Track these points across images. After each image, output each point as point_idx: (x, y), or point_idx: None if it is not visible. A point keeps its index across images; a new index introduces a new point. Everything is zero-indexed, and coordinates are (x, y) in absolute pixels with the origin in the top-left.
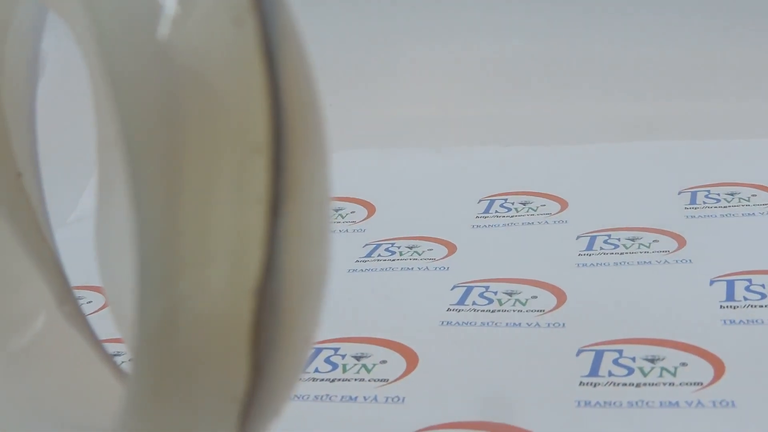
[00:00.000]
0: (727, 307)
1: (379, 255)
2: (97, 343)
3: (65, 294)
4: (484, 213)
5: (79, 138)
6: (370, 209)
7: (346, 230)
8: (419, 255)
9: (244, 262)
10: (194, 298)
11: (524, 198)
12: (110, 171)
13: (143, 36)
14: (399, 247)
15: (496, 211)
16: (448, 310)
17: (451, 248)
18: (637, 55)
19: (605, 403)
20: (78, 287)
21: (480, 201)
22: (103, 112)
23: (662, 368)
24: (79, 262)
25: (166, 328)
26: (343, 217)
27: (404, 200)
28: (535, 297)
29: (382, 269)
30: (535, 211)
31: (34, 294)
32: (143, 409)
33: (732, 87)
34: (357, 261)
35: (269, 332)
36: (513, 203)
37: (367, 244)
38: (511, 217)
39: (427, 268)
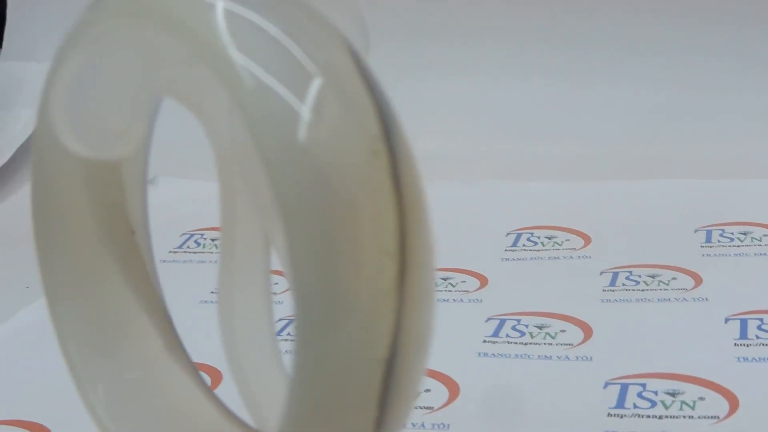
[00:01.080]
0: (741, 345)
1: None
2: (201, 382)
3: (171, 338)
4: (512, 246)
5: None
6: None
7: None
8: (453, 287)
9: (376, 334)
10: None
11: (549, 232)
12: (234, 259)
13: (287, 134)
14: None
15: (524, 245)
16: (484, 341)
17: (483, 281)
18: (656, 98)
19: None
20: None
21: (508, 234)
22: (231, 199)
23: (682, 402)
24: None
25: (314, 376)
26: None
27: (437, 233)
28: (564, 331)
29: None
30: (560, 245)
31: (144, 338)
32: None
33: (745, 128)
34: None
35: (391, 393)
36: (539, 237)
37: None
38: (538, 251)
39: (462, 300)
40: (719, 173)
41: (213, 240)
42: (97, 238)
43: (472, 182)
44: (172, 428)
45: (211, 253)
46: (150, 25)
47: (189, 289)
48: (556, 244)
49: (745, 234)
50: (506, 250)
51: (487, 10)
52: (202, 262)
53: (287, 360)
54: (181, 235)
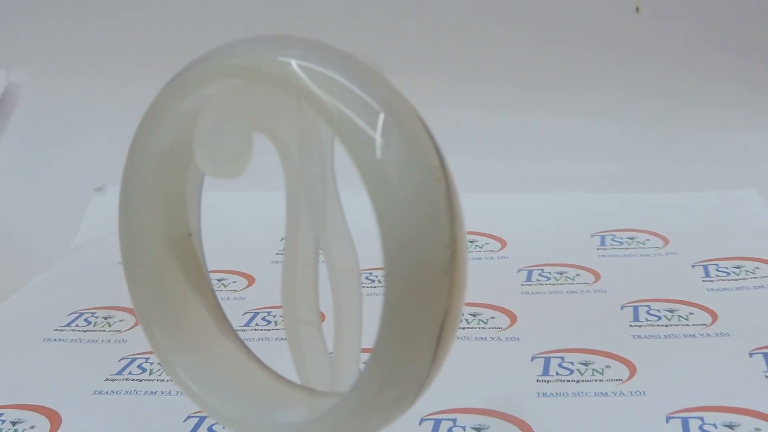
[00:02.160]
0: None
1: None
2: (255, 358)
3: (223, 322)
4: None
5: (74, 165)
6: None
7: None
8: (485, 324)
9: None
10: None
11: (471, 237)
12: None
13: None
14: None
15: None
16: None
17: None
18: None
19: None
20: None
21: None
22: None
23: None
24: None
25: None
26: None
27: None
28: (493, 318)
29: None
30: (480, 248)
31: (198, 323)
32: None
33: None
34: None
35: (444, 336)
36: None
37: None
38: None
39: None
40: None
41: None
42: (163, 241)
43: None
44: (243, 391)
45: None
46: (252, 81)
47: None
48: (477, 247)
49: (632, 239)
50: None
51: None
52: None
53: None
54: None
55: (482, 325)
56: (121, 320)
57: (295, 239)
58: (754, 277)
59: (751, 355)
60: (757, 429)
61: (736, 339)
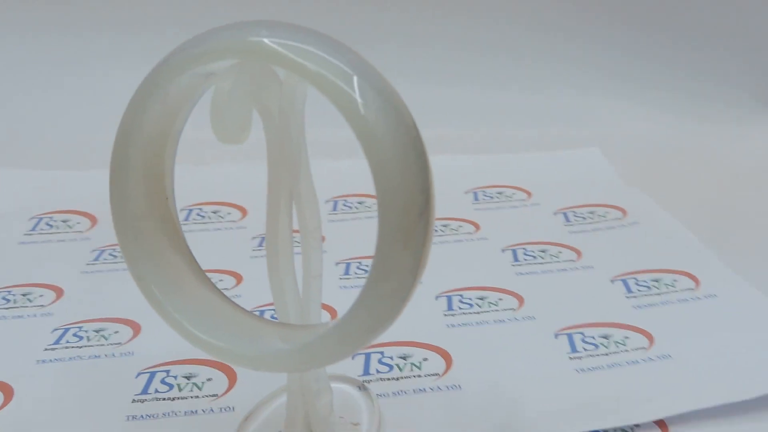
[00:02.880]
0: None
1: None
2: (232, 302)
3: (199, 272)
4: (333, 212)
5: None
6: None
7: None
8: None
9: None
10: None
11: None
12: None
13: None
14: None
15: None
16: None
17: None
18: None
19: None
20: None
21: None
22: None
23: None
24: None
25: None
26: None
27: None
28: None
29: None
30: (369, 208)
31: (179, 272)
32: None
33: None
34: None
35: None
36: (353, 203)
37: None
38: (354, 213)
39: None
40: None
41: (64, 221)
42: (146, 204)
43: None
44: (232, 328)
45: (66, 232)
46: (253, 59)
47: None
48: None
49: (500, 193)
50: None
51: None
52: (62, 241)
53: None
54: (30, 219)
55: None
56: (41, 295)
57: (277, 199)
58: (605, 220)
59: (612, 281)
60: (626, 337)
61: (598, 270)
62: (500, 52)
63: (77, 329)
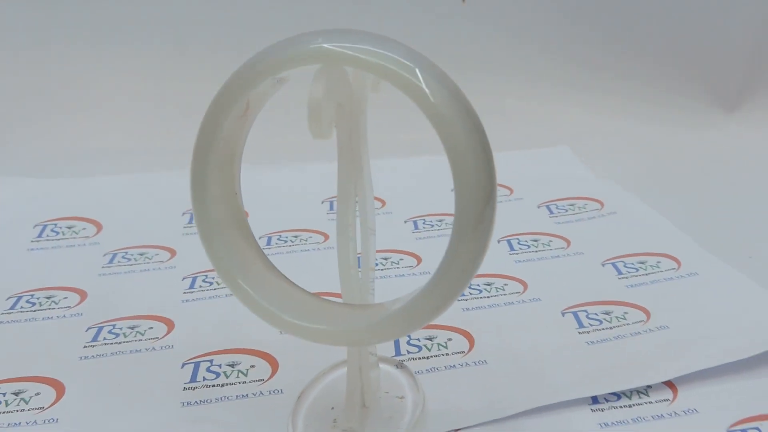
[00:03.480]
0: None
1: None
2: (288, 279)
3: (265, 260)
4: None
5: None
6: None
7: None
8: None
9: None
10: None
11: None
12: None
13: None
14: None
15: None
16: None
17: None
18: None
19: None
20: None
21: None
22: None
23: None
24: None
25: None
26: None
27: None
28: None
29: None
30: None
31: (256, 265)
32: None
33: None
34: None
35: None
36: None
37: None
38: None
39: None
40: None
41: (69, 227)
42: (224, 207)
43: None
44: (299, 309)
45: (74, 238)
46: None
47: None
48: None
49: None
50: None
51: None
52: (72, 246)
53: None
54: (34, 227)
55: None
56: (65, 297)
57: (347, 191)
58: (586, 211)
59: (603, 265)
60: (626, 312)
61: (588, 255)
62: (479, 65)
63: (111, 327)
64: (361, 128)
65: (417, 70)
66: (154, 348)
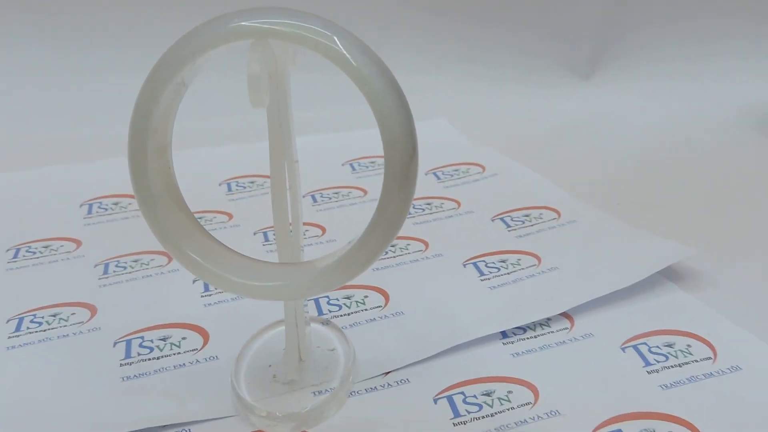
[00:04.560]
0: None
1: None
2: (225, 246)
3: (199, 226)
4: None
5: None
6: None
7: None
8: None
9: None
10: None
11: None
12: None
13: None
14: None
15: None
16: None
17: None
18: None
19: None
20: None
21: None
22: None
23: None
24: None
25: None
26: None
27: None
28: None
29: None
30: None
31: (188, 227)
32: None
33: None
34: None
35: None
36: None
37: None
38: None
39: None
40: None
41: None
42: (161, 180)
43: None
44: (244, 271)
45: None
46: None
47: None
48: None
49: (373, 162)
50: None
51: None
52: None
53: None
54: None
55: None
56: None
57: (280, 157)
58: (469, 174)
59: (492, 220)
60: (519, 259)
61: (478, 212)
62: None
63: (32, 316)
64: (287, 98)
65: (336, 38)
66: (81, 332)
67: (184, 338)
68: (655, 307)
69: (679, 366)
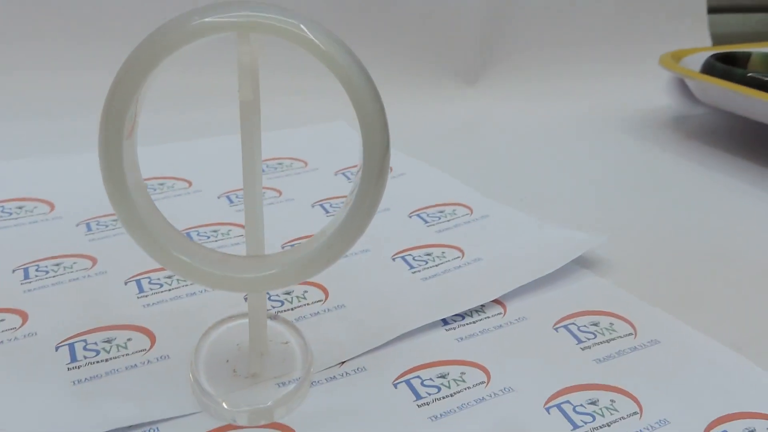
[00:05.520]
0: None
1: None
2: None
3: (166, 220)
4: None
5: None
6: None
7: None
8: None
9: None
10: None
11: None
12: None
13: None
14: None
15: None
16: None
17: None
18: None
19: None
20: None
21: None
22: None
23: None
24: None
25: None
26: None
27: None
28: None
29: None
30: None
31: (160, 220)
32: None
33: None
34: None
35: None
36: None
37: None
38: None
39: None
40: None
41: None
42: (132, 167)
43: None
44: (219, 264)
45: None
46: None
47: None
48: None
49: (281, 164)
50: None
51: None
52: None
53: None
54: None
55: None
56: None
57: (252, 149)
58: None
59: (410, 216)
60: (443, 252)
61: (395, 210)
62: None
63: None
64: (258, 90)
65: (321, 36)
66: (16, 338)
67: (129, 339)
68: (575, 291)
69: (607, 342)
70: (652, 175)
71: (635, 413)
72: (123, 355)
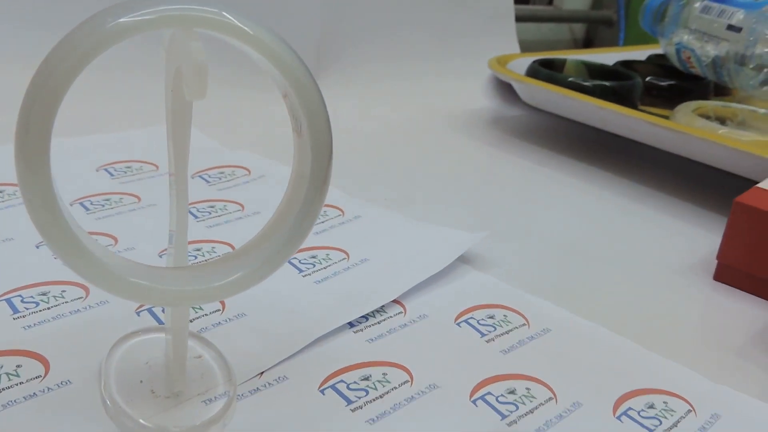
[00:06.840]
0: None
1: None
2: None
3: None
4: None
5: None
6: None
7: None
8: None
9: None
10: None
11: None
12: None
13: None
14: None
15: None
16: None
17: None
18: None
19: None
20: None
21: None
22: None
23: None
24: None
25: None
26: None
27: None
28: None
29: None
30: None
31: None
32: None
33: None
34: None
35: None
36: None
37: None
38: None
39: None
40: None
41: None
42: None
43: None
44: (149, 276)
45: None
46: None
47: None
48: None
49: (130, 167)
50: None
51: None
52: None
53: None
54: None
55: None
56: None
57: (184, 152)
58: (236, 177)
59: None
60: (313, 257)
61: (264, 214)
62: None
63: None
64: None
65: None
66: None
67: (19, 366)
68: (465, 287)
69: (507, 333)
70: (477, 168)
71: (551, 399)
72: (17, 384)
